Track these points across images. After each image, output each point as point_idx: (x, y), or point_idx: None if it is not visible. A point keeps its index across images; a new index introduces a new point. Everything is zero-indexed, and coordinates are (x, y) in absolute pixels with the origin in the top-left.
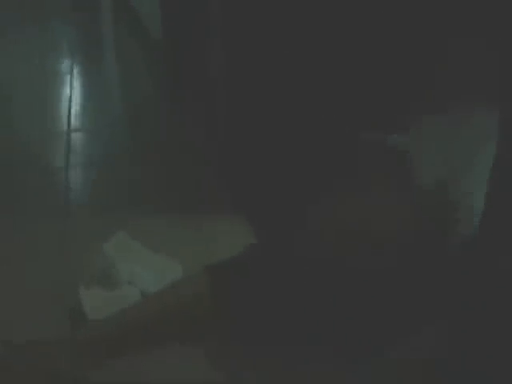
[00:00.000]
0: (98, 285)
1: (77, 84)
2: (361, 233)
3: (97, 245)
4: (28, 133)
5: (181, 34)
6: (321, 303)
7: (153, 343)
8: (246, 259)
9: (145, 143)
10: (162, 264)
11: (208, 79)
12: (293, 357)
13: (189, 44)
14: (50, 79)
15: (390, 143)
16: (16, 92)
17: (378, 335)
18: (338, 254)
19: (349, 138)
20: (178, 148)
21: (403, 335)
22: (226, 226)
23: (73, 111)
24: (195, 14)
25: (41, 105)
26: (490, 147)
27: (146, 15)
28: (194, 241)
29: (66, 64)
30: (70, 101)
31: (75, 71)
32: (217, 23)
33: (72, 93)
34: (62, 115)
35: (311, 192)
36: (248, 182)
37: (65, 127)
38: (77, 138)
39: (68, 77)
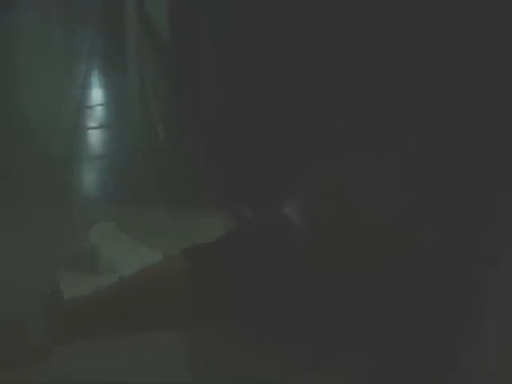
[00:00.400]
0: (78, 270)
1: (94, 83)
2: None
3: (80, 232)
4: (41, 129)
5: (189, 38)
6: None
7: (129, 324)
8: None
9: (139, 139)
10: (145, 253)
11: (214, 82)
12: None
13: (197, 48)
14: (69, 79)
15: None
16: (39, 91)
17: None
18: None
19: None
20: (172, 144)
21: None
22: (212, 219)
23: (89, 109)
24: (203, 20)
25: (61, 101)
26: None
27: (159, 19)
28: (180, 233)
29: (86, 64)
30: (88, 99)
31: (96, 71)
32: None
33: (87, 92)
34: (73, 112)
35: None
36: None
37: (72, 124)
38: (84, 134)
39: (88, 76)
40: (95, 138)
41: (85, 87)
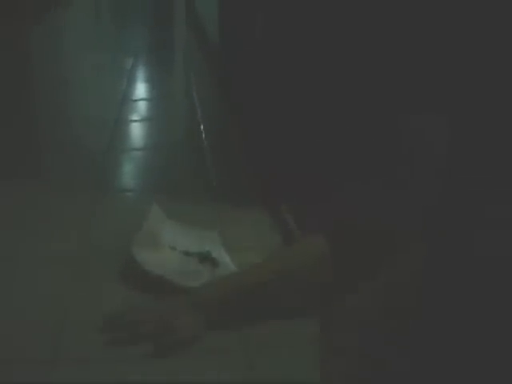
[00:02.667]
0: (146, 246)
1: (140, 78)
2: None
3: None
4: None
5: (235, 40)
6: None
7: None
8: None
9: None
10: (199, 232)
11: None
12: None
13: (241, 49)
14: (116, 72)
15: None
16: (87, 83)
17: None
18: None
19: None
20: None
21: None
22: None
23: (136, 102)
24: (247, 24)
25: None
26: None
27: (208, 22)
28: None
29: (133, 59)
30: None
31: (142, 66)
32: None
33: (133, 86)
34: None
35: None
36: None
37: (116, 116)
38: (133, 126)
39: (142, 71)
40: (138, 130)
41: (130, 81)
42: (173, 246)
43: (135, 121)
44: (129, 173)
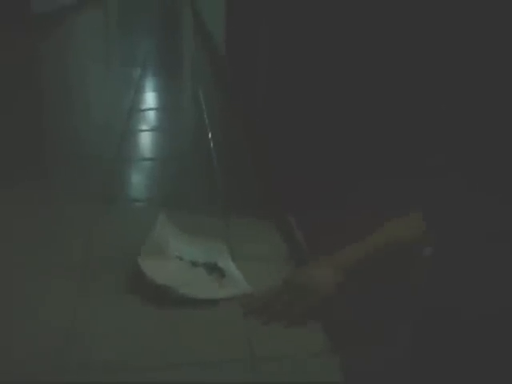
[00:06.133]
0: (153, 256)
1: (147, 88)
2: None
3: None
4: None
5: (239, 50)
6: None
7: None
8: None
9: (189, 144)
10: (206, 243)
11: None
12: None
13: (245, 59)
14: (124, 83)
15: None
16: (95, 93)
17: None
18: None
19: None
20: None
21: None
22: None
23: (141, 112)
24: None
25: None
26: None
27: (215, 35)
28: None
29: (140, 69)
30: (141, 103)
31: (150, 77)
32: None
33: (140, 96)
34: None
35: None
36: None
37: (124, 126)
38: (147, 135)
39: (142, 81)
40: (146, 140)
41: (138, 91)
42: (180, 256)
43: (143, 130)
44: (136, 183)
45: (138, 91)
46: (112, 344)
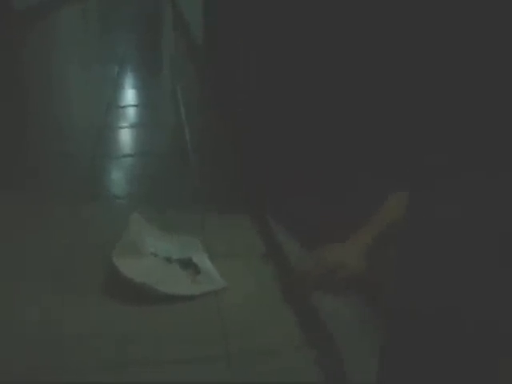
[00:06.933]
0: (128, 254)
1: (126, 85)
2: None
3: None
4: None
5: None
6: None
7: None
8: None
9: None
10: (181, 239)
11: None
12: None
13: (223, 48)
14: (103, 79)
15: None
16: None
17: None
18: None
19: None
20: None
21: None
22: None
23: (120, 109)
24: (228, 25)
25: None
26: None
27: (193, 25)
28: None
29: (119, 66)
30: (120, 99)
31: (135, 74)
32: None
33: (119, 92)
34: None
35: None
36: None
37: (103, 123)
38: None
39: (120, 78)
40: (125, 136)
41: (117, 88)
42: (155, 252)
43: (122, 127)
44: (115, 180)
45: (117, 88)
46: (88, 343)
